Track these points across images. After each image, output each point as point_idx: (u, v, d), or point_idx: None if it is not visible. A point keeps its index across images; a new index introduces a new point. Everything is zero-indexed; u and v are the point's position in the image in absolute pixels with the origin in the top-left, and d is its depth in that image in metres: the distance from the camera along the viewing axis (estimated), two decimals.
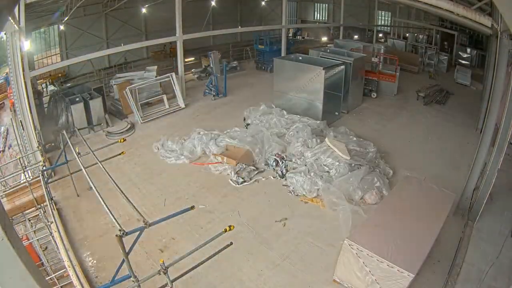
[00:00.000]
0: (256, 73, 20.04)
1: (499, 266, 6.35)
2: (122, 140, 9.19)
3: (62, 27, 19.26)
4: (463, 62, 21.47)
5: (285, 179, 9.28)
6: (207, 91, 15.93)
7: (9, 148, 13.96)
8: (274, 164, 9.74)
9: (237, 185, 9.17)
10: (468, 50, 21.81)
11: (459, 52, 22.28)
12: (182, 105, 14.59)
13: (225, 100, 15.54)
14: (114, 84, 14.67)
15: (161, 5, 20.31)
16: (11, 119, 13.39)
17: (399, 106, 14.94)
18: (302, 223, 7.84)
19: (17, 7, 9.25)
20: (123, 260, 5.01)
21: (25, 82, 9.90)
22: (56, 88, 14.99)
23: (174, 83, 14.54)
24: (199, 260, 5.71)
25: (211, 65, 15.53)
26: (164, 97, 14.54)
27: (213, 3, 23.81)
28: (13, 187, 9.22)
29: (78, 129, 9.25)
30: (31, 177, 9.24)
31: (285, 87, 13.38)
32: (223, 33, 21.94)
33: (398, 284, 5.33)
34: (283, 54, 19.19)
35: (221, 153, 10.12)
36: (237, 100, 15.36)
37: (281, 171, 9.48)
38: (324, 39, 30.56)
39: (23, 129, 10.20)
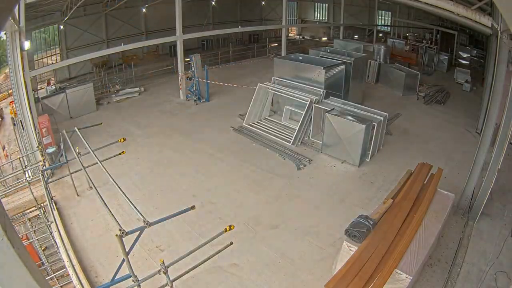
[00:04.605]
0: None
1: (499, 266, 6.35)
2: (122, 140, 9.18)
3: (62, 27, 19.26)
4: (463, 62, 21.49)
5: None
6: (189, 95, 15.58)
7: (3, 149, 13.99)
8: None
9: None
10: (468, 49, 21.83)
11: (459, 52, 22.28)
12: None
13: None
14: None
15: (161, 5, 20.32)
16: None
17: (400, 105, 14.93)
18: None
19: (17, 7, 9.24)
20: (123, 260, 5.01)
21: (25, 82, 9.89)
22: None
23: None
24: (199, 260, 5.72)
25: (193, 69, 15.21)
26: None
27: (213, 3, 23.87)
28: (13, 187, 9.23)
29: (78, 129, 9.24)
30: (31, 177, 9.25)
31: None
32: (223, 33, 21.98)
33: (397, 285, 5.33)
34: (283, 54, 19.21)
35: None
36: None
37: None
38: (324, 39, 30.62)
39: (23, 129, 10.20)
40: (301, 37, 32.75)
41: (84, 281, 6.12)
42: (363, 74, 15.13)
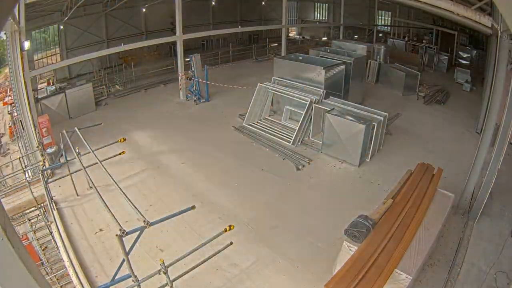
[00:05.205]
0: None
1: (499, 266, 6.35)
2: (122, 140, 9.19)
3: (62, 27, 19.25)
4: (463, 62, 21.50)
5: None
6: (189, 95, 15.60)
7: None
8: None
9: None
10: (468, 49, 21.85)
11: (459, 52, 22.28)
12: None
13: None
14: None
15: (161, 5, 20.31)
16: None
17: (400, 105, 14.93)
18: None
19: (17, 7, 9.24)
20: (123, 260, 5.02)
21: (25, 82, 9.89)
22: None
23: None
24: (199, 260, 5.71)
25: (193, 69, 15.21)
26: None
27: (213, 3, 23.86)
28: (13, 187, 9.23)
29: (78, 129, 9.25)
30: (31, 177, 9.26)
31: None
32: (223, 33, 21.96)
33: (397, 285, 5.32)
34: (283, 53, 19.20)
35: None
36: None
37: None
38: (324, 39, 30.61)
39: (23, 129, 10.20)
40: (301, 37, 32.72)
41: (84, 281, 6.12)
42: (363, 74, 15.13)
